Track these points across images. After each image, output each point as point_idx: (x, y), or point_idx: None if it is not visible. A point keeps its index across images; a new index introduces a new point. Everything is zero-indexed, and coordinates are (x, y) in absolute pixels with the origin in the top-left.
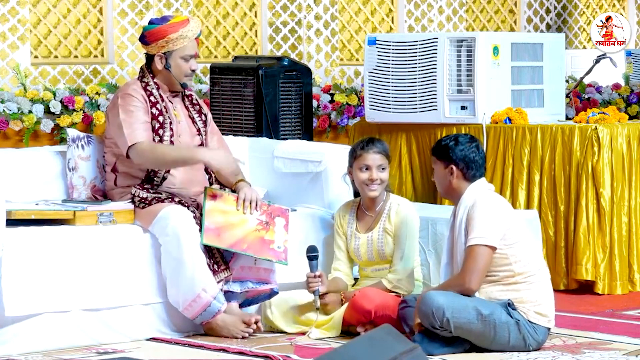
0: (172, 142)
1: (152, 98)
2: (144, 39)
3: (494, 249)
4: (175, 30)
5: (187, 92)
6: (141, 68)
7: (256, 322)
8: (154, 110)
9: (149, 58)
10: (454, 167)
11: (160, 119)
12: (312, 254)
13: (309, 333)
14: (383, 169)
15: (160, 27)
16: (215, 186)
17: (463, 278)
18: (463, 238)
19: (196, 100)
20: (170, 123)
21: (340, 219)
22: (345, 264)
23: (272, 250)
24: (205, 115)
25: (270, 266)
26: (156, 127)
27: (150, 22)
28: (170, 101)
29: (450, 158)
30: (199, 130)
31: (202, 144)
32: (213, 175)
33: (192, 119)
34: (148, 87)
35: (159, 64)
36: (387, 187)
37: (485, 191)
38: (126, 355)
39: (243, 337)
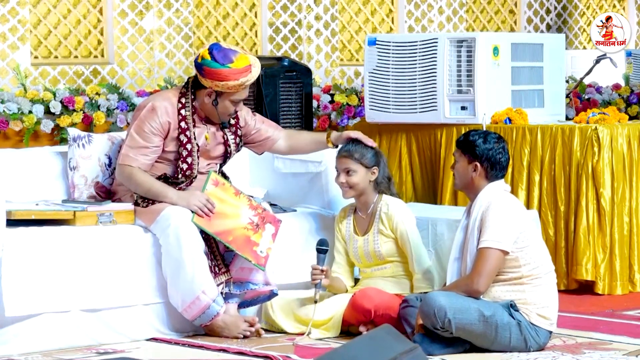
0: (192, 170)
1: (182, 124)
2: (201, 72)
3: (506, 253)
4: (236, 79)
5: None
6: (187, 82)
7: (253, 325)
8: (182, 137)
9: (198, 82)
10: (478, 165)
11: (189, 146)
12: (322, 247)
13: (308, 332)
14: (350, 173)
15: (222, 70)
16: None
17: (471, 279)
18: (476, 237)
19: (235, 118)
20: (198, 150)
21: (339, 224)
22: (343, 267)
23: (254, 252)
24: (241, 130)
25: (270, 267)
26: (184, 155)
27: (212, 56)
28: (204, 124)
29: (476, 154)
30: (224, 153)
31: (223, 163)
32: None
33: (225, 142)
34: (182, 111)
35: (206, 98)
36: (383, 188)
37: (502, 192)
38: (126, 355)
39: (245, 337)
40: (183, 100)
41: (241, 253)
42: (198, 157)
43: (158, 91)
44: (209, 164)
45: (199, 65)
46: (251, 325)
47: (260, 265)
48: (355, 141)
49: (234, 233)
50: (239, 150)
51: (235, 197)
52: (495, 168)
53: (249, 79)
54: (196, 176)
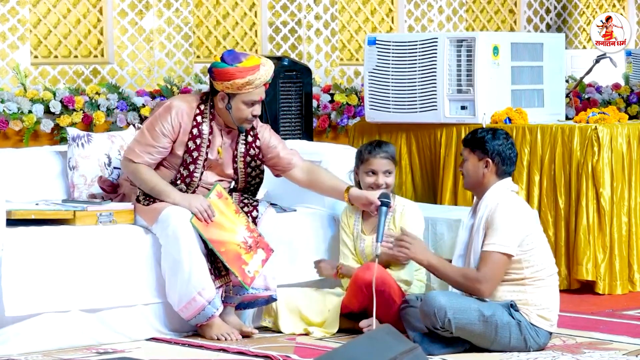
0: (192, 178)
1: (195, 130)
2: (212, 75)
3: (511, 256)
4: (242, 77)
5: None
6: (208, 91)
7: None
8: (190, 143)
9: (215, 89)
10: (490, 161)
11: (194, 154)
12: (385, 200)
13: (307, 329)
14: (389, 173)
15: (229, 69)
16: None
17: (479, 283)
18: (481, 236)
19: (254, 133)
20: (205, 160)
21: (347, 218)
22: (351, 260)
23: (242, 270)
24: (258, 147)
25: (271, 272)
26: (187, 162)
27: (222, 59)
28: (221, 135)
29: (486, 150)
30: (235, 169)
31: (234, 180)
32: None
33: (234, 157)
34: (198, 118)
35: (220, 103)
36: (391, 189)
37: (509, 193)
38: (126, 355)
39: (231, 339)
40: (202, 107)
41: (229, 266)
42: (204, 167)
43: (158, 91)
44: (221, 180)
45: (210, 69)
46: (239, 333)
47: (245, 284)
48: (384, 142)
49: (227, 246)
50: (252, 173)
51: (235, 214)
52: (505, 163)
53: (257, 77)
54: (197, 186)
